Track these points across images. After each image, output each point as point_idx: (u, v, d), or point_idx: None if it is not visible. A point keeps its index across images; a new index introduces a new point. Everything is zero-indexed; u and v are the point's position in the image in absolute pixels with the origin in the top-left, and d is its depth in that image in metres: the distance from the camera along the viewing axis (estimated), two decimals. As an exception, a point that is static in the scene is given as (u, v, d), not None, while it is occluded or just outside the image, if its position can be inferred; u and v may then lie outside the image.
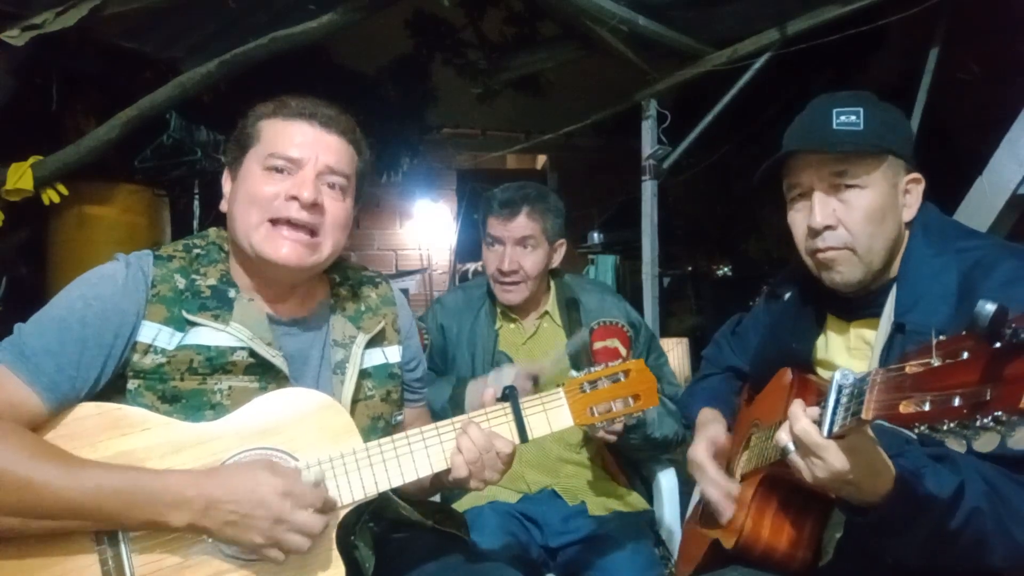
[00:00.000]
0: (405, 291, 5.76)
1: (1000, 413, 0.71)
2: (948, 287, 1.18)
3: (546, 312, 2.03)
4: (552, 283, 2.07)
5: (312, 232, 1.22)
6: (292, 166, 1.22)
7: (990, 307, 0.72)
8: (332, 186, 1.25)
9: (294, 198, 1.19)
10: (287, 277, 1.25)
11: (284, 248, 1.19)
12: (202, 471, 1.07)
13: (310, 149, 1.22)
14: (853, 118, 1.23)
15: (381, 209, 6.84)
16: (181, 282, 1.21)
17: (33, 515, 1.00)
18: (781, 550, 1.23)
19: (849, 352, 1.33)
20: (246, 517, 1.02)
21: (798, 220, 1.31)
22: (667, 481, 2.02)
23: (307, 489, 1.07)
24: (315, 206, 1.21)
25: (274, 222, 1.20)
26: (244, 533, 1.03)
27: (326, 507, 1.09)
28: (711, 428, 1.48)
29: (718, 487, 1.36)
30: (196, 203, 4.29)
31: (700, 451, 1.43)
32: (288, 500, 1.04)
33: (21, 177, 3.30)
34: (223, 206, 1.29)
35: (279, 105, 1.26)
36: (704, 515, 1.59)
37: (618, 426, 1.69)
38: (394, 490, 1.40)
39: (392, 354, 1.39)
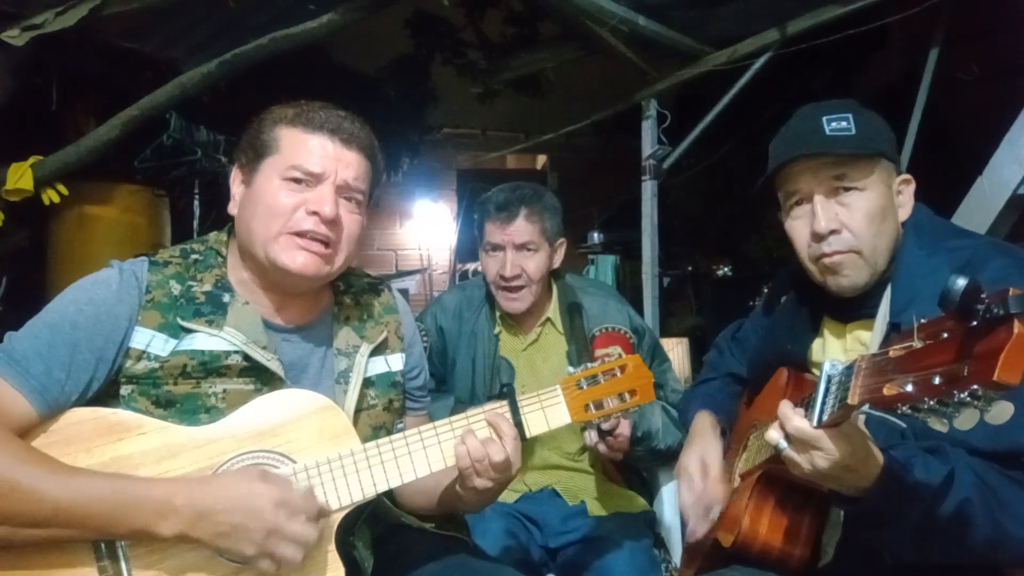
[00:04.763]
0: (405, 291, 5.76)
1: (976, 387, 0.72)
2: (941, 286, 1.18)
3: (548, 319, 1.99)
4: (554, 286, 2.02)
5: (327, 244, 1.23)
6: (312, 179, 1.22)
7: (961, 282, 0.73)
8: (349, 199, 1.26)
9: (315, 213, 1.20)
10: (299, 285, 1.26)
11: (300, 258, 1.20)
12: (194, 479, 1.06)
13: (331, 164, 1.23)
14: (844, 124, 1.24)
15: (381, 209, 6.83)
16: (176, 288, 1.20)
17: (21, 522, 0.97)
18: (779, 547, 1.24)
19: (846, 354, 1.33)
20: (238, 528, 1.01)
21: (798, 227, 1.31)
22: (667, 481, 2.02)
23: (301, 498, 1.06)
24: (334, 221, 1.22)
25: (293, 234, 1.21)
26: (236, 544, 1.02)
27: (319, 515, 1.08)
28: (705, 441, 1.49)
29: (699, 500, 1.39)
30: (196, 203, 4.29)
31: (692, 462, 1.45)
32: (282, 510, 1.03)
33: (21, 177, 3.30)
34: (231, 209, 1.29)
35: (300, 113, 1.25)
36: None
37: (623, 443, 1.68)
38: (400, 504, 1.40)
39: (395, 362, 1.38)
